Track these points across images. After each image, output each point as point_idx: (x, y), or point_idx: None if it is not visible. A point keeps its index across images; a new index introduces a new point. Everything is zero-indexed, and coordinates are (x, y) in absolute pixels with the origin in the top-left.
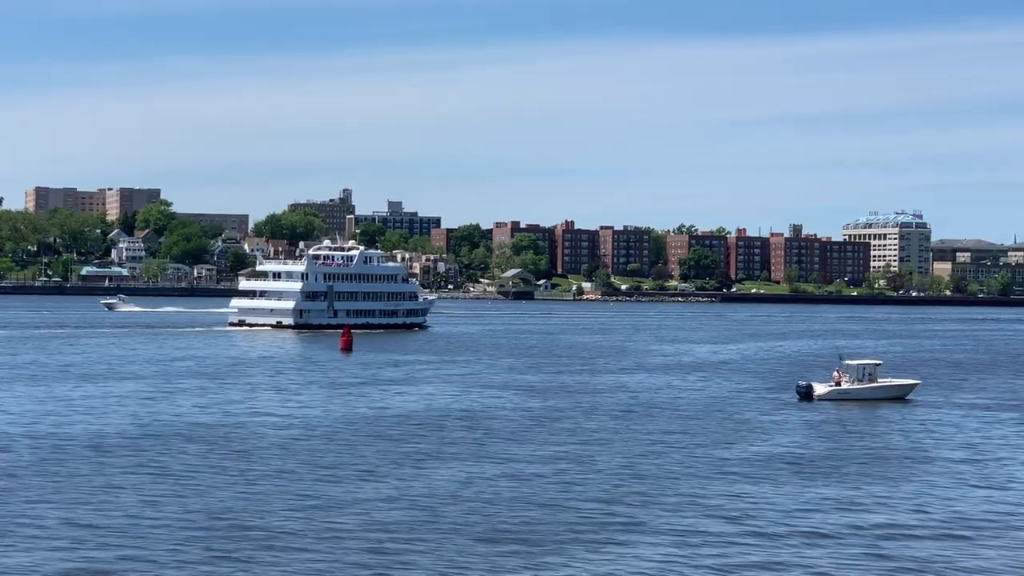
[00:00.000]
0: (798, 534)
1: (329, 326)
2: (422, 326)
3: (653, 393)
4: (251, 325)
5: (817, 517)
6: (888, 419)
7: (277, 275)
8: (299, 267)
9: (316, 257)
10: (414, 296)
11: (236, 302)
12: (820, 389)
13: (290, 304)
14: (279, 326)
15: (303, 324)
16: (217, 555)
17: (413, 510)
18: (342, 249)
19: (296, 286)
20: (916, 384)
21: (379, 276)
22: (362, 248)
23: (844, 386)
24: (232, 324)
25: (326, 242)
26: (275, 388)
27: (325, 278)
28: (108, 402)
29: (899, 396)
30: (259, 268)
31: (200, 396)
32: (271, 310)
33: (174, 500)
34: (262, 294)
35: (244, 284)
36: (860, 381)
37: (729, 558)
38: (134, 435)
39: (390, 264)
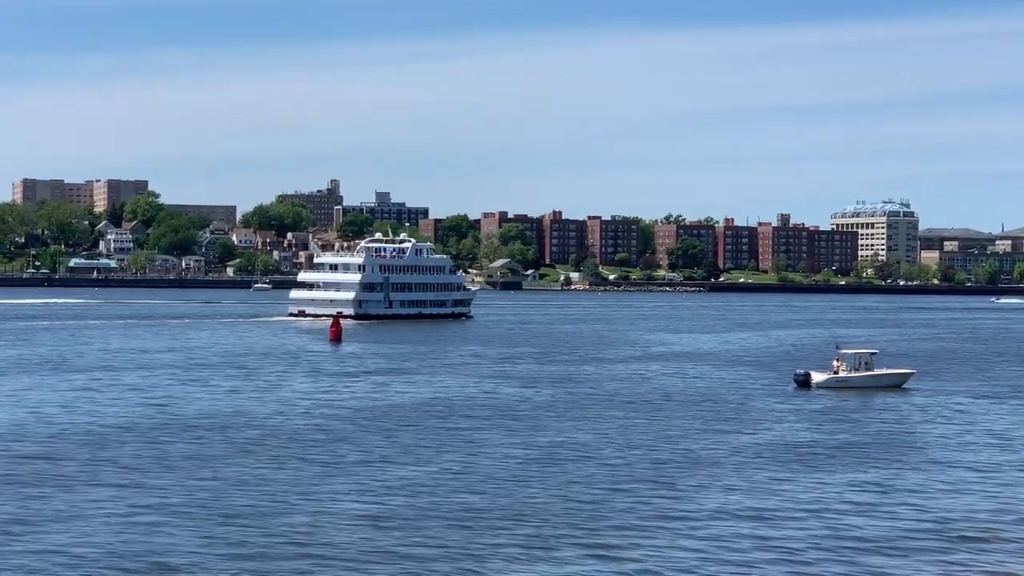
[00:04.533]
0: (810, 520)
1: (385, 316)
2: (467, 316)
3: (652, 382)
4: (311, 315)
5: (826, 503)
6: (886, 406)
7: (334, 267)
8: (357, 259)
9: (371, 249)
10: (461, 287)
11: (295, 293)
12: (818, 377)
13: (350, 295)
14: (339, 316)
15: (362, 314)
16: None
17: (458, 494)
18: (394, 242)
19: (355, 277)
20: (911, 373)
21: (430, 268)
22: (413, 241)
23: (841, 374)
24: (292, 315)
25: (378, 235)
26: (272, 379)
27: (381, 270)
28: (95, 393)
29: (896, 384)
30: (317, 260)
31: (193, 386)
32: (331, 300)
33: (190, 494)
34: (321, 285)
35: (303, 276)
36: (856, 369)
37: (740, 551)
38: (124, 426)
39: (438, 256)
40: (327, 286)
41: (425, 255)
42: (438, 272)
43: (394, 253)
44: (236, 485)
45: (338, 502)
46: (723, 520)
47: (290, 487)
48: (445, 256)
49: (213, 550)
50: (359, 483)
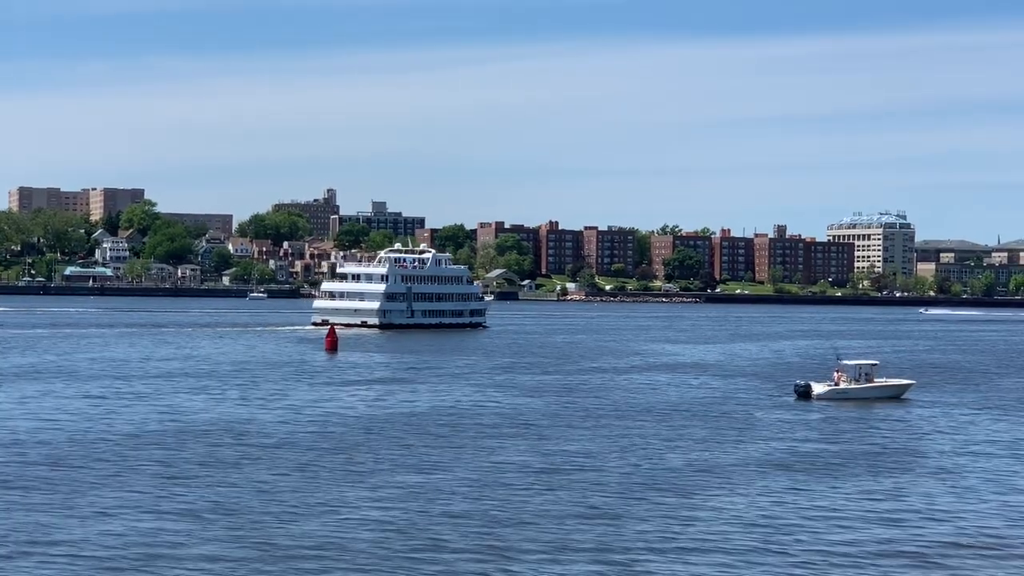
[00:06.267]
0: (824, 531)
1: (407, 326)
2: (483, 325)
3: (656, 393)
4: (335, 325)
5: (839, 513)
6: (889, 417)
7: (356, 277)
8: (380, 269)
9: (394, 260)
10: (478, 297)
11: (319, 303)
12: (819, 388)
13: (375, 304)
14: (364, 325)
15: (386, 324)
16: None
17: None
18: (414, 252)
19: (380, 287)
20: (911, 384)
21: (449, 278)
22: (433, 252)
23: (842, 386)
24: (315, 324)
25: (397, 245)
26: (277, 388)
27: (403, 280)
28: (87, 402)
29: (895, 396)
30: (340, 270)
31: (194, 395)
32: (355, 310)
33: (197, 503)
34: (345, 295)
35: (326, 285)
36: (857, 381)
37: (756, 562)
38: (128, 433)
39: (456, 266)
40: (351, 296)
41: (444, 265)
42: (456, 282)
43: (415, 263)
44: (253, 492)
45: (354, 509)
46: (737, 531)
47: (306, 494)
48: (463, 267)
49: (235, 557)
50: (373, 491)
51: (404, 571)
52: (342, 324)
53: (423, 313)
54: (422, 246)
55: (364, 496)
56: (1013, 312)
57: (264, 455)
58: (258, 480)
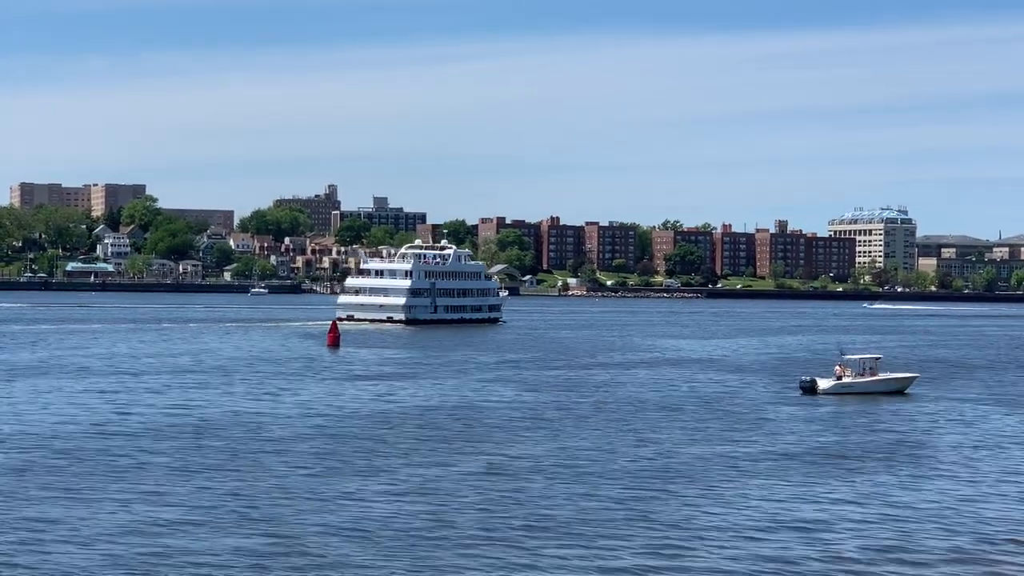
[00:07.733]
0: (820, 525)
1: (431, 321)
2: (500, 320)
3: (664, 388)
4: (360, 320)
5: (865, 507)
6: (896, 411)
7: (380, 273)
8: (405, 265)
9: (417, 256)
10: (496, 292)
11: (344, 299)
12: (824, 383)
13: (400, 300)
14: (389, 321)
15: (411, 319)
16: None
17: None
18: (433, 248)
19: (405, 283)
20: (915, 377)
21: (469, 274)
22: (454, 248)
23: (846, 380)
24: (340, 319)
25: (418, 241)
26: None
27: (427, 276)
28: (78, 399)
29: (899, 390)
30: (364, 266)
31: (201, 391)
32: (380, 306)
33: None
34: (369, 291)
35: (351, 281)
36: (861, 375)
37: (750, 555)
38: (133, 430)
39: (475, 263)
40: (375, 291)
41: (464, 261)
42: (476, 278)
43: (437, 260)
44: (270, 485)
45: (371, 503)
46: (754, 526)
47: (323, 487)
48: (481, 263)
49: (253, 548)
50: (389, 484)
51: (423, 563)
52: (368, 319)
53: (445, 308)
54: (443, 242)
55: (381, 489)
56: (967, 307)
57: (279, 448)
58: (275, 473)
